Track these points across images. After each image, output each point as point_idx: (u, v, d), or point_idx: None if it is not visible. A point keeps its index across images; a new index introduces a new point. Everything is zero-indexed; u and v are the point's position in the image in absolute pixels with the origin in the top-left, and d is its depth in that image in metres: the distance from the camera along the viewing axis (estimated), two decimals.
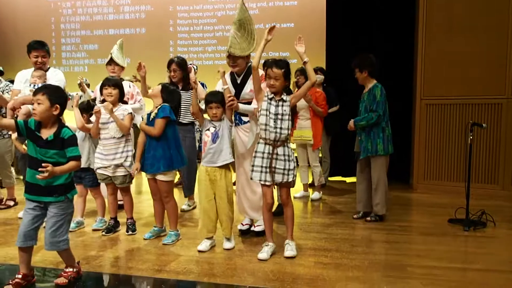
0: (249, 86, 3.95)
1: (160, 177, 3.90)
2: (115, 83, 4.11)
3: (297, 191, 5.91)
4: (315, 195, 5.79)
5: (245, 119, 4.07)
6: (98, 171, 4.15)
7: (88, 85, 7.40)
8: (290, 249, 3.58)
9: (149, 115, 3.93)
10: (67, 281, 3.05)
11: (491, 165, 5.88)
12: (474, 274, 3.26)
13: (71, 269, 3.11)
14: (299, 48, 3.52)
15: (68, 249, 3.07)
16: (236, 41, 3.92)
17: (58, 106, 2.90)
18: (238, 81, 4.05)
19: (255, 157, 3.53)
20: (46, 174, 2.74)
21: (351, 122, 4.66)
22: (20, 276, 3.03)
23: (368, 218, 4.66)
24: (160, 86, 3.96)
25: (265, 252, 3.52)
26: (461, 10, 5.93)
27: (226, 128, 3.72)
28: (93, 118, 4.17)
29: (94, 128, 4.08)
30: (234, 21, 3.97)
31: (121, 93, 4.13)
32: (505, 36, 5.74)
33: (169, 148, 3.86)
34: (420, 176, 6.32)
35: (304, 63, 3.52)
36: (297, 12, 8.64)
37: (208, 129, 3.70)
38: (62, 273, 3.11)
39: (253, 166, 3.53)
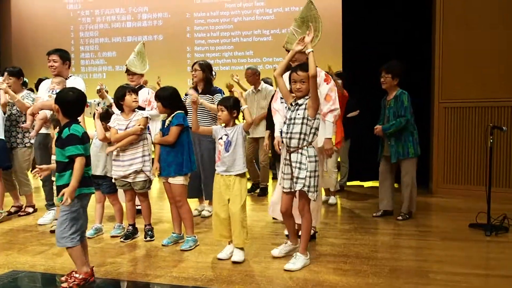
0: None
1: (172, 180, 3.95)
2: (134, 88, 4.28)
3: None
4: (332, 200, 5.74)
5: None
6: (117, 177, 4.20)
7: (107, 92, 7.48)
8: (292, 262, 3.44)
9: (164, 121, 3.99)
10: (67, 287, 3.03)
11: None
12: (496, 281, 3.19)
13: (76, 275, 3.06)
14: (297, 48, 3.45)
15: (74, 250, 3.03)
16: (294, 37, 3.95)
17: (56, 106, 3.03)
18: None
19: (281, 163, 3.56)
20: (67, 202, 2.88)
21: (379, 128, 4.78)
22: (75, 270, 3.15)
23: (400, 217, 4.81)
24: (159, 103, 3.97)
25: (279, 249, 3.67)
26: (479, 9, 5.84)
27: (240, 136, 3.65)
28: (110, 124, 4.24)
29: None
30: (296, 18, 4.05)
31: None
32: None
33: (182, 154, 3.92)
34: (440, 180, 6.24)
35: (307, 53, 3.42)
36: None
37: (221, 138, 3.69)
38: (67, 277, 3.08)
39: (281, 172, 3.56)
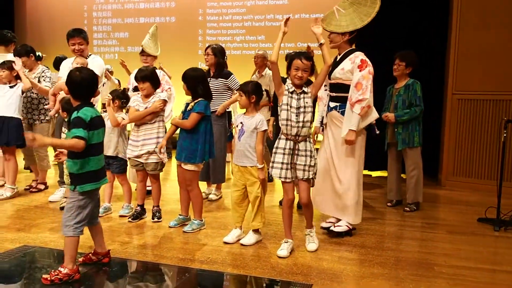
0: (342, 65, 3.78)
1: (184, 165, 3.95)
2: (143, 76, 4.14)
3: None
4: None
5: (331, 104, 3.90)
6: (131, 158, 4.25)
7: (112, 73, 7.49)
8: (312, 241, 3.57)
9: (187, 104, 3.98)
10: (49, 281, 2.84)
11: None
12: (503, 276, 3.18)
13: (61, 269, 2.87)
14: (316, 30, 3.50)
15: (72, 241, 2.87)
16: (334, 16, 3.84)
17: (66, 88, 3.00)
18: (337, 59, 3.89)
19: (275, 153, 3.45)
20: (30, 137, 2.65)
21: (391, 116, 4.78)
22: (92, 252, 3.21)
23: (407, 208, 4.82)
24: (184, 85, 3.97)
25: (284, 249, 3.45)
26: (497, 1, 5.73)
27: (253, 128, 3.60)
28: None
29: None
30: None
31: (154, 82, 4.18)
32: None
33: (196, 142, 3.90)
34: (449, 173, 6.18)
35: (320, 45, 3.43)
36: (327, 2, 8.50)
37: (237, 125, 3.69)
38: (52, 271, 2.90)
39: (273, 162, 3.45)
